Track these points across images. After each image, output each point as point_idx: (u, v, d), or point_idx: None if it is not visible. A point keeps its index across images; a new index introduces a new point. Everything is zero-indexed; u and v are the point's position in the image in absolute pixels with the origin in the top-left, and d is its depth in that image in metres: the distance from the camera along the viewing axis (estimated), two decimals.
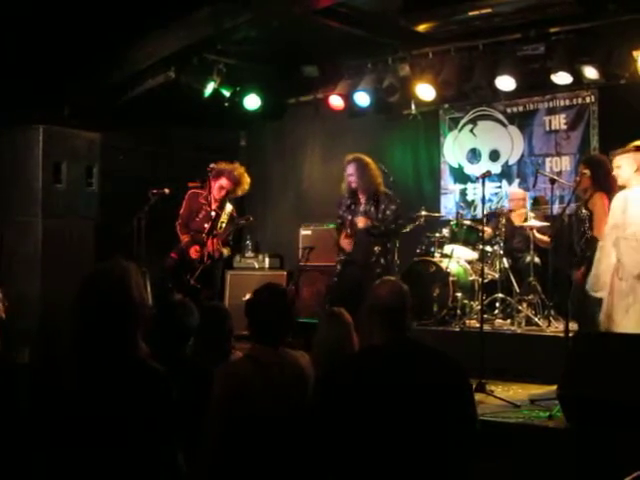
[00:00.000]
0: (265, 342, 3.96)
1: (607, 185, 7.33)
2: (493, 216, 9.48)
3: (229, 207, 8.51)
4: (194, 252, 8.14)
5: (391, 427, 3.52)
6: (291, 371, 3.95)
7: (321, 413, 3.74)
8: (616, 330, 6.44)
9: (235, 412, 3.77)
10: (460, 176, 10.80)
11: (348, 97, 10.44)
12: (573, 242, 7.76)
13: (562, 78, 9.00)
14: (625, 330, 6.35)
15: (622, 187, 6.82)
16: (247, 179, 8.54)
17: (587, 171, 7.52)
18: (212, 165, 8.18)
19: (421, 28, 9.40)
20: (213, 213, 8.21)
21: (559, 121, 9.96)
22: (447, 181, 10.92)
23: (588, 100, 9.73)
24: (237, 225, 8.56)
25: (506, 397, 6.76)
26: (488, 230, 9.04)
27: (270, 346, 3.95)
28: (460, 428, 3.60)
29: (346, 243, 8.15)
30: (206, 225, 8.18)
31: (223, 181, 8.37)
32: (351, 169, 8.17)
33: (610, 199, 7.24)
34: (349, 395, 3.64)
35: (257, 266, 10.74)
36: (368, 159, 8.26)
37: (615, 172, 6.86)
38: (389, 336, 3.70)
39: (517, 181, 10.32)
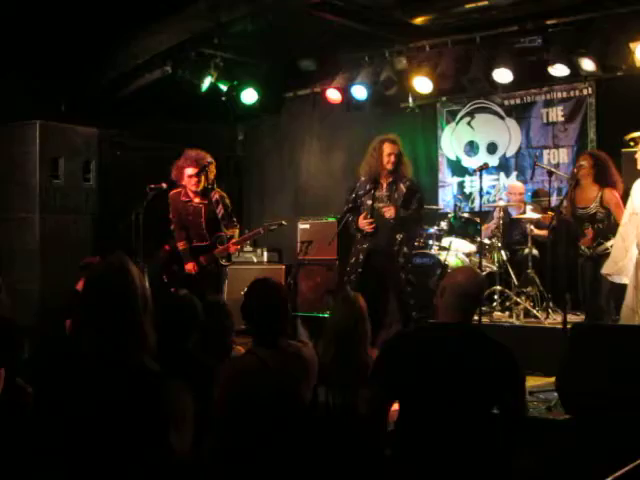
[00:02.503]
0: (265, 339, 3.97)
1: (611, 179, 7.42)
2: (490, 214, 9.49)
3: (215, 195, 7.95)
4: (191, 268, 7.82)
5: (438, 400, 3.71)
6: (293, 364, 3.97)
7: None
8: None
9: (238, 408, 3.78)
10: (458, 169, 10.81)
11: (345, 90, 10.43)
12: (578, 234, 7.84)
13: (559, 70, 8.99)
14: None
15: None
16: (206, 155, 7.91)
17: (585, 162, 7.60)
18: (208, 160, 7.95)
19: (418, 21, 9.40)
20: (201, 206, 7.91)
21: (556, 113, 9.96)
22: (445, 174, 10.92)
23: (585, 92, 9.73)
24: (265, 231, 8.23)
25: None
26: (486, 227, 9.11)
27: (270, 342, 3.96)
28: (504, 415, 3.80)
29: (366, 224, 7.95)
30: (200, 220, 7.92)
31: (189, 170, 7.79)
32: (396, 149, 8.02)
33: (618, 191, 7.31)
34: (410, 361, 3.81)
35: (256, 260, 10.73)
36: None
37: (637, 155, 6.87)
38: (457, 318, 3.87)
39: (515, 173, 10.32)
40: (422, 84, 9.83)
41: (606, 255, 7.45)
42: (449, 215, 9.52)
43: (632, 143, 7.58)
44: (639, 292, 6.56)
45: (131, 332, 3.00)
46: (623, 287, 6.97)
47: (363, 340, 4.64)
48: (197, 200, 7.84)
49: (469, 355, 3.83)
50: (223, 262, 7.93)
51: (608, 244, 7.53)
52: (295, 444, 3.83)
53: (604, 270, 7.00)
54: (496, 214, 9.25)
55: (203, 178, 7.80)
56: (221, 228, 7.85)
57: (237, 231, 8.06)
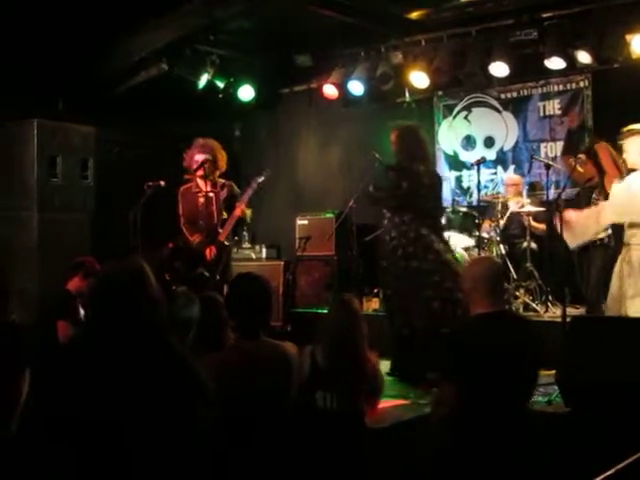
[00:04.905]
0: (248, 332, 3.99)
1: (616, 168, 7.41)
2: (490, 209, 9.50)
3: (222, 182, 8.03)
4: (210, 252, 7.79)
5: (497, 379, 4.02)
6: (276, 357, 4.00)
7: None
8: (625, 312, 6.48)
9: (223, 401, 3.76)
10: (455, 163, 10.81)
11: (342, 86, 10.43)
12: None
13: (555, 63, 9.00)
14: (637, 308, 6.39)
15: (631, 169, 6.84)
16: (218, 145, 7.97)
17: (589, 161, 7.61)
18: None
19: (414, 15, 9.41)
20: (212, 194, 7.96)
21: (553, 106, 9.96)
22: (442, 168, 10.90)
23: (582, 84, 9.73)
24: (256, 185, 8.06)
25: None
26: (487, 223, 9.13)
27: (253, 334, 3.98)
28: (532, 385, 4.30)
29: None
30: (212, 208, 7.93)
31: (198, 156, 7.83)
32: None
33: (621, 178, 7.30)
34: (474, 350, 4.09)
35: (254, 257, 10.72)
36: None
37: (624, 155, 6.88)
38: (494, 305, 4.21)
39: (512, 167, 10.33)
40: (418, 79, 9.83)
41: (598, 246, 7.48)
42: (447, 210, 9.52)
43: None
44: (622, 281, 6.61)
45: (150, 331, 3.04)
46: (609, 276, 7.00)
47: (360, 342, 4.65)
48: (207, 189, 7.86)
49: (521, 340, 4.22)
50: (227, 243, 7.93)
51: (598, 236, 7.52)
52: (280, 439, 3.83)
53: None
54: (497, 209, 9.26)
55: (211, 165, 7.82)
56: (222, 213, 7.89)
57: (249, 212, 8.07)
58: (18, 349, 3.51)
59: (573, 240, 6.99)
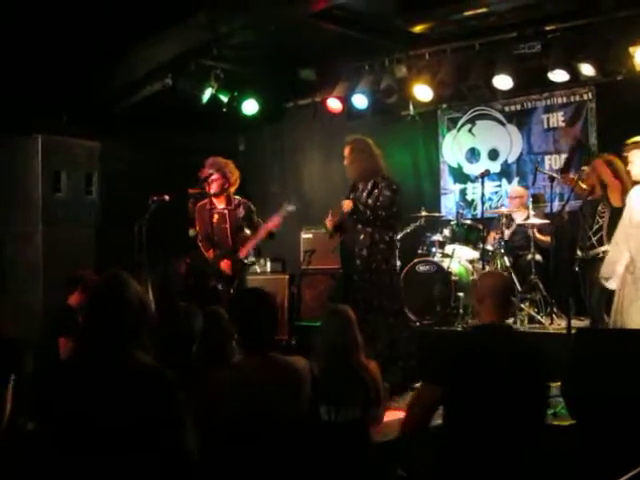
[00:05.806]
0: (253, 350, 3.94)
1: (619, 179, 7.41)
2: (495, 221, 9.51)
3: (238, 200, 8.13)
4: (226, 266, 7.85)
5: (493, 392, 3.93)
6: (280, 378, 3.91)
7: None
8: (627, 324, 6.48)
9: (212, 422, 3.73)
10: (460, 176, 10.81)
11: (346, 99, 10.43)
12: (577, 239, 7.83)
13: (559, 76, 9.00)
14: (636, 321, 6.39)
15: (636, 182, 6.85)
16: (227, 161, 8.10)
17: (592, 173, 7.59)
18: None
19: (417, 29, 9.43)
20: (226, 211, 8.00)
21: (557, 119, 9.96)
22: (447, 181, 10.92)
23: (586, 97, 9.74)
24: (285, 213, 8.04)
25: None
26: (492, 235, 9.14)
27: (259, 353, 3.94)
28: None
29: (327, 220, 7.95)
30: (225, 226, 7.98)
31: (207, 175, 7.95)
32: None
33: (624, 190, 7.28)
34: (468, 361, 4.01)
35: (259, 270, 10.72)
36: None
37: (629, 167, 6.89)
38: (500, 317, 4.21)
39: (516, 179, 10.33)
40: (422, 92, 9.83)
41: (600, 260, 7.46)
42: (451, 222, 9.53)
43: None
44: (624, 292, 6.65)
45: (129, 338, 3.06)
46: (611, 291, 7.00)
47: (355, 351, 4.64)
48: (221, 206, 7.92)
49: (521, 352, 4.20)
50: (246, 261, 7.95)
51: (601, 249, 7.51)
52: (290, 455, 3.80)
53: (602, 274, 7.05)
54: (501, 221, 9.27)
55: (220, 182, 7.91)
56: (244, 230, 7.92)
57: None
58: (4, 362, 3.52)
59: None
